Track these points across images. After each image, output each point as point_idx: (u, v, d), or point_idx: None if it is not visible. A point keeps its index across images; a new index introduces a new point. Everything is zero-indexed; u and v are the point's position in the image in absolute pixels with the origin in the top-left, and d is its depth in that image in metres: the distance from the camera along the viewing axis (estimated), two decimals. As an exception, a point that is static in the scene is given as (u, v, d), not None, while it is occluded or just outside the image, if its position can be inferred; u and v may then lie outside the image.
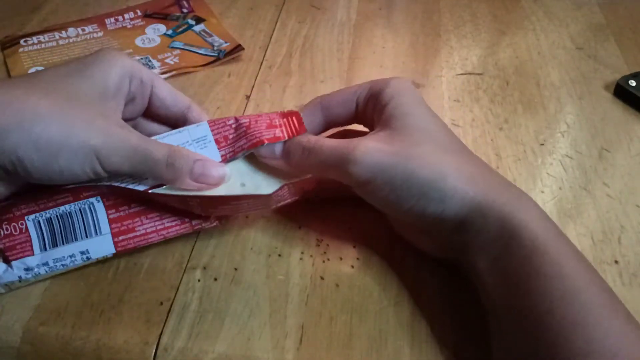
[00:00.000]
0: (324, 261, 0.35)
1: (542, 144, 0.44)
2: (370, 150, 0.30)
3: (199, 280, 0.33)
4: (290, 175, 0.33)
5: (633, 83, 0.48)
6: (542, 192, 0.40)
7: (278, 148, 0.33)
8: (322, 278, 0.34)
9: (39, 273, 0.31)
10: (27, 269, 0.30)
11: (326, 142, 0.31)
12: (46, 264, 0.31)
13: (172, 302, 0.32)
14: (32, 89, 0.29)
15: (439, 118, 0.33)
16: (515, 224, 0.27)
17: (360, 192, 0.31)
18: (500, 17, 0.59)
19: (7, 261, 0.30)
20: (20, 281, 0.31)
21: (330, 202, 0.37)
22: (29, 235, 0.31)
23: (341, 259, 0.35)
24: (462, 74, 0.51)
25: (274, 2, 0.59)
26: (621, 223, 0.38)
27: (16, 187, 0.31)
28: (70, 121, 0.28)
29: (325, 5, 0.59)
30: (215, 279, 0.33)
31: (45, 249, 0.31)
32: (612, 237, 0.37)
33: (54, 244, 0.31)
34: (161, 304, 0.32)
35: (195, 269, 0.34)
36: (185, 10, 0.57)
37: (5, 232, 0.31)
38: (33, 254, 0.31)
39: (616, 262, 0.35)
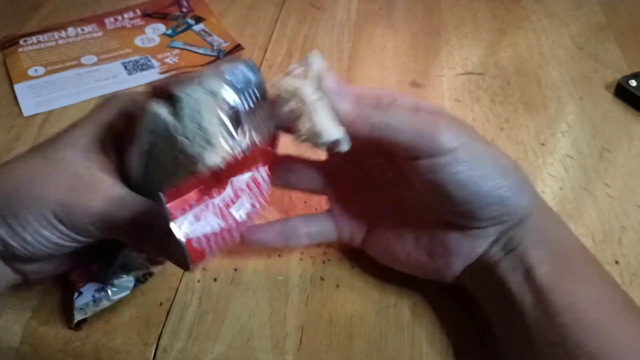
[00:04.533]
0: (324, 262, 0.34)
1: (543, 144, 0.44)
2: (455, 123, 0.27)
3: (198, 281, 0.33)
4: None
5: (634, 83, 0.48)
6: (543, 192, 0.40)
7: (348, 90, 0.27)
8: (322, 279, 0.34)
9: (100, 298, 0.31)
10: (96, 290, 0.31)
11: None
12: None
13: (172, 303, 0.32)
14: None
15: None
16: (557, 229, 0.29)
17: (427, 165, 0.26)
18: (500, 16, 0.59)
19: (78, 290, 0.31)
20: (94, 301, 0.31)
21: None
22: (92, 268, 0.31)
23: (341, 259, 0.35)
24: (462, 74, 0.51)
25: (274, 2, 0.59)
26: (622, 223, 0.38)
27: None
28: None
29: (325, 5, 0.59)
30: (215, 280, 0.33)
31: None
32: (613, 237, 0.37)
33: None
34: (161, 304, 0.32)
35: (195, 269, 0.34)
36: (184, 10, 0.57)
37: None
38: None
39: (617, 262, 0.35)
